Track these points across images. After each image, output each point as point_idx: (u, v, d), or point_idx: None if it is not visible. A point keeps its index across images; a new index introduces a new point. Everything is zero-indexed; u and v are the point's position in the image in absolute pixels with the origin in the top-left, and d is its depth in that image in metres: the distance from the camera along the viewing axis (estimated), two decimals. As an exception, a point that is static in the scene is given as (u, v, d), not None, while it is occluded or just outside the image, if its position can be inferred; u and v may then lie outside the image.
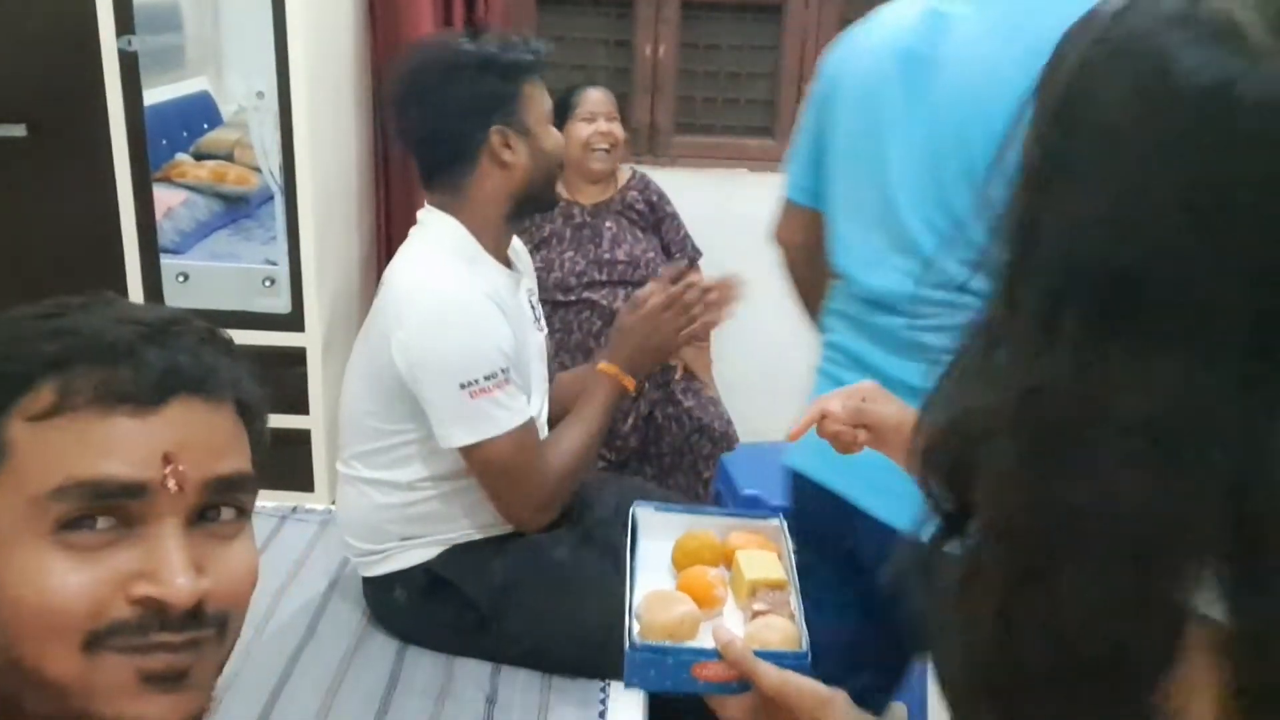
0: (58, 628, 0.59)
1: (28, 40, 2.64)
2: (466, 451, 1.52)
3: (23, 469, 0.59)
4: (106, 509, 0.60)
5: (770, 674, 0.88)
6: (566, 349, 2.60)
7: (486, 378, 1.47)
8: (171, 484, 0.61)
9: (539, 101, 1.60)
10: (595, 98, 2.67)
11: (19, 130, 2.68)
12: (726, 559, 1.10)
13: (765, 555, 1.08)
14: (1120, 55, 0.53)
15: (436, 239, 1.58)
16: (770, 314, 3.14)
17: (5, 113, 2.69)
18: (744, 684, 0.90)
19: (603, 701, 1.53)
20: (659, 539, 1.13)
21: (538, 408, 1.67)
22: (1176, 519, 0.51)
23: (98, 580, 0.59)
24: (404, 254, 1.61)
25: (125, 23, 2.31)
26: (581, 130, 2.61)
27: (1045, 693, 0.54)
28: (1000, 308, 0.58)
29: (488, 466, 1.53)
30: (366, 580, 1.68)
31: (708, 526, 1.14)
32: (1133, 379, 0.52)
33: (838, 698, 0.87)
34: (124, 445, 0.60)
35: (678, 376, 2.69)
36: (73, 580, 0.59)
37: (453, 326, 1.48)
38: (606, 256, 2.64)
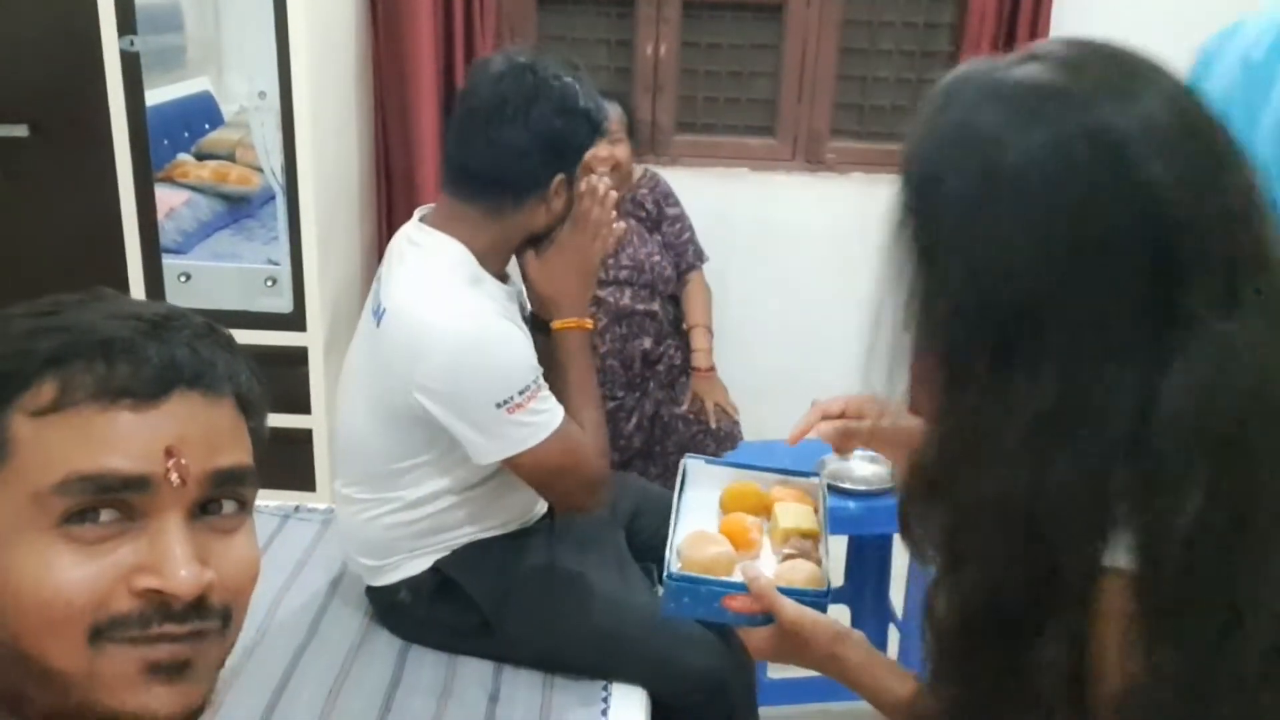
0: (62, 620, 0.59)
1: (29, 41, 2.64)
2: (511, 461, 1.50)
3: (25, 464, 0.60)
4: (109, 503, 0.60)
5: (789, 608, 0.98)
6: None
7: (520, 393, 1.45)
8: (174, 477, 0.61)
9: (586, 160, 1.61)
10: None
11: (21, 131, 2.68)
12: (767, 509, 1.23)
13: (801, 508, 1.21)
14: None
15: (440, 265, 1.52)
16: (773, 313, 3.15)
17: (7, 113, 2.69)
18: (768, 617, 0.99)
19: (605, 701, 1.53)
20: (706, 489, 1.28)
21: None
22: (1078, 491, 0.64)
23: (101, 573, 0.60)
24: (407, 281, 1.53)
25: (127, 23, 2.32)
26: None
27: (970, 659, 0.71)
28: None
29: (536, 470, 1.51)
30: (370, 589, 1.68)
31: (753, 479, 1.29)
32: (1024, 388, 0.65)
33: (855, 634, 0.98)
34: (125, 439, 0.60)
35: (714, 424, 2.65)
36: (76, 573, 0.59)
37: (479, 354, 1.45)
38: (611, 260, 2.63)
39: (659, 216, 2.76)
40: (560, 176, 1.54)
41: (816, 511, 1.22)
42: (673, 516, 1.19)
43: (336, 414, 1.72)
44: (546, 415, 1.49)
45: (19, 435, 0.60)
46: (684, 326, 2.77)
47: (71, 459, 0.59)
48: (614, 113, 2.60)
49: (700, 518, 1.23)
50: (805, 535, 1.16)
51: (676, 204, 2.79)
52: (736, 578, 1.05)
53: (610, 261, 2.62)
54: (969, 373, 0.68)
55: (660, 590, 1.05)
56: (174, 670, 0.62)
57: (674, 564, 1.10)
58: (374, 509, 1.61)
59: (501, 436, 1.47)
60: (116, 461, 0.60)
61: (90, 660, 0.60)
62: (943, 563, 0.73)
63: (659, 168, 2.91)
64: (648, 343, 2.65)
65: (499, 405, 1.44)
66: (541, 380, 1.50)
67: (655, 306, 2.68)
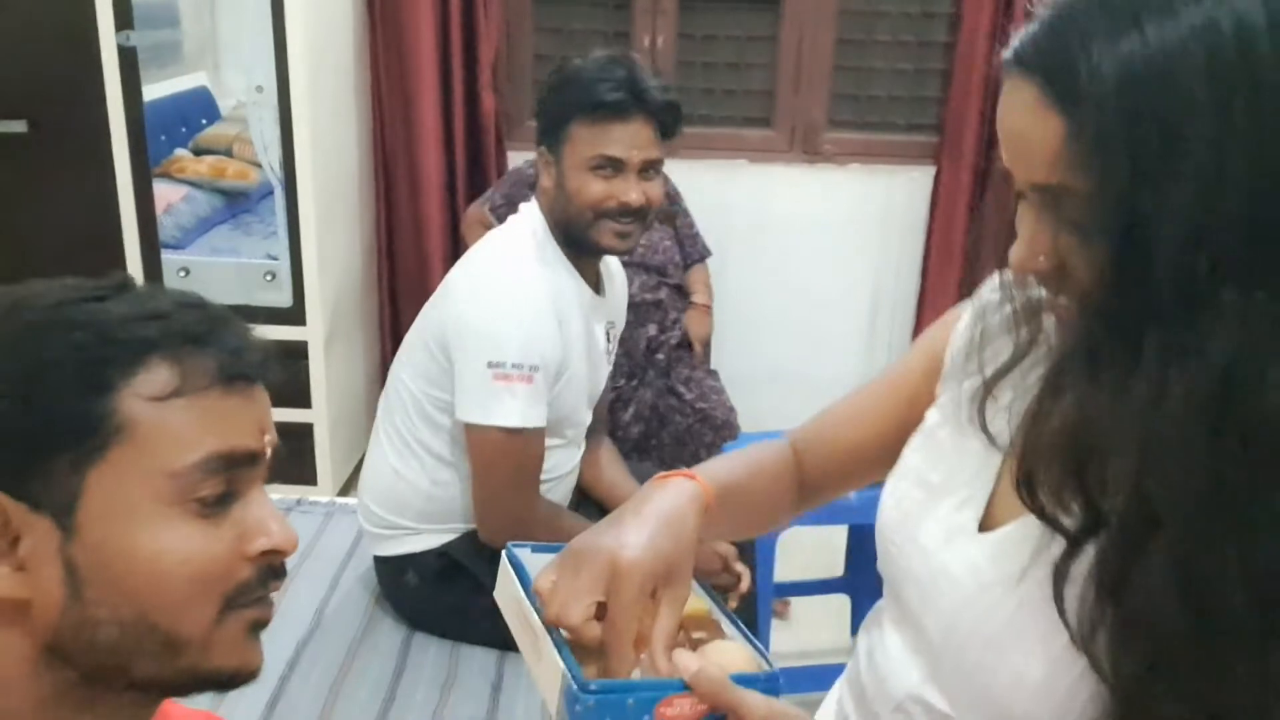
0: (202, 594, 0.64)
1: (27, 37, 2.64)
2: (472, 432, 1.54)
3: (151, 445, 0.63)
4: (230, 479, 0.65)
5: (757, 703, 0.69)
6: None
7: (514, 365, 1.49)
8: (269, 452, 0.68)
9: (583, 144, 1.55)
10: None
11: (19, 127, 2.68)
12: None
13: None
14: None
15: (529, 230, 1.60)
16: (771, 304, 3.15)
17: (6, 109, 2.69)
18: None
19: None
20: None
21: (573, 431, 1.69)
22: None
23: (226, 545, 0.65)
24: (498, 232, 1.65)
25: (124, 18, 2.32)
26: None
27: (1242, 642, 0.59)
28: (1117, 312, 0.60)
29: (481, 452, 1.55)
30: (379, 560, 1.70)
31: None
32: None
33: None
34: (245, 420, 0.67)
35: (673, 342, 2.72)
36: (214, 548, 0.64)
37: (503, 306, 1.51)
38: None
39: (672, 210, 2.82)
40: (542, 146, 1.60)
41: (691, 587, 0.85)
42: (533, 620, 0.78)
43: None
44: (522, 408, 1.51)
45: (137, 417, 0.62)
46: (691, 300, 2.82)
47: (206, 440, 0.64)
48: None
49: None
50: (696, 619, 0.85)
51: (680, 199, 2.85)
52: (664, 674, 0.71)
53: None
54: (1193, 310, 0.57)
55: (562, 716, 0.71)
56: (264, 626, 0.68)
57: (577, 673, 0.70)
58: (394, 452, 1.65)
59: (477, 394, 1.51)
60: (243, 440, 0.66)
61: (214, 627, 0.65)
62: (1127, 540, 0.62)
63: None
64: (653, 329, 2.69)
65: (490, 365, 1.49)
66: (541, 379, 1.51)
67: (662, 295, 2.72)
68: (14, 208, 2.74)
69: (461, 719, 1.48)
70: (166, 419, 0.63)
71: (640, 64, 1.59)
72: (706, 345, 2.81)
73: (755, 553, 1.91)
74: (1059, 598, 0.66)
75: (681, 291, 2.80)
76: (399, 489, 1.65)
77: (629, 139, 1.55)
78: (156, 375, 0.63)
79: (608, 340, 1.72)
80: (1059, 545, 0.67)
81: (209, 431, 0.64)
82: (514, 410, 1.50)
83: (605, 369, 1.74)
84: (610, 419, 2.62)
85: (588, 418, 1.75)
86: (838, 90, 3.05)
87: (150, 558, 0.62)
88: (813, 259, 3.07)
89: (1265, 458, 0.57)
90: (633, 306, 2.65)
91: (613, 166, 1.55)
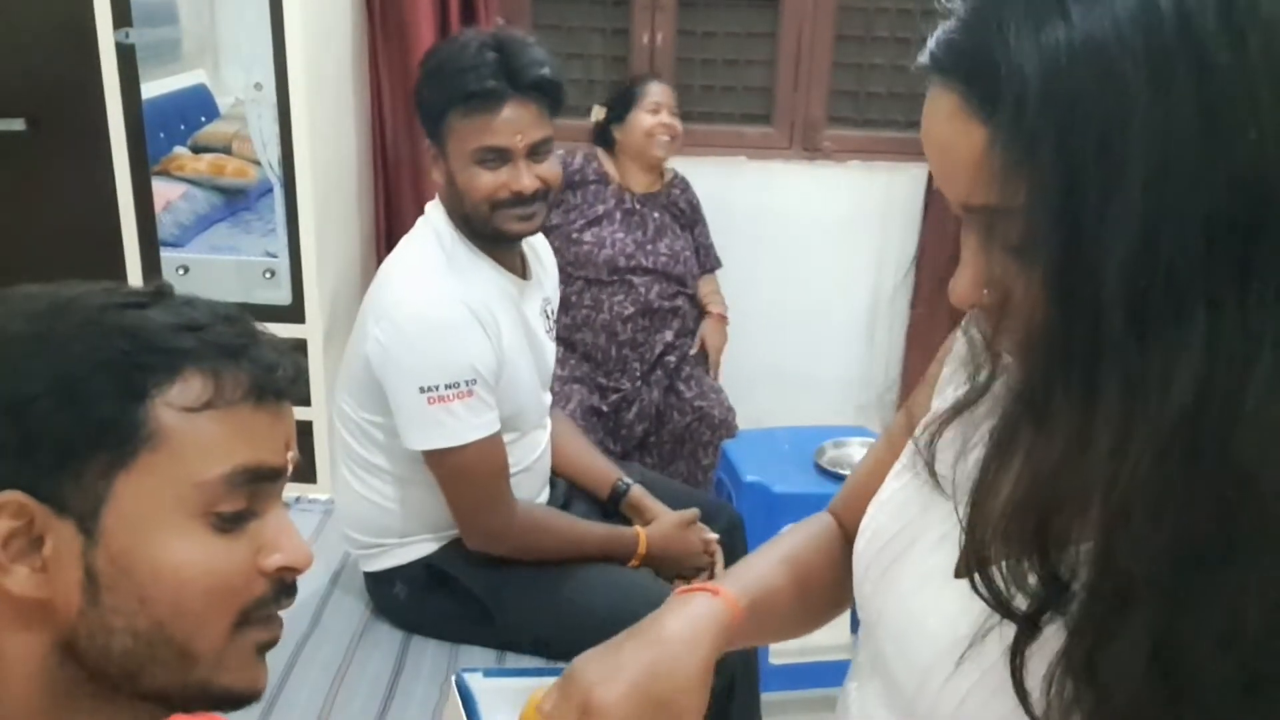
0: (220, 606, 0.64)
1: (26, 35, 2.63)
2: (428, 457, 1.52)
3: (179, 454, 0.63)
4: (253, 493, 0.66)
5: None
6: (590, 325, 2.64)
7: (447, 386, 1.45)
8: (290, 469, 0.69)
9: (464, 137, 1.49)
10: (659, 90, 2.70)
11: (18, 125, 2.67)
12: None
13: None
14: None
15: (434, 235, 1.56)
16: (770, 301, 3.15)
17: (4, 107, 2.68)
18: None
19: (606, 687, 1.54)
20: (503, 713, 0.85)
21: (535, 417, 1.67)
22: None
23: (245, 559, 0.65)
24: (403, 245, 1.60)
25: (122, 15, 2.31)
26: (645, 120, 2.66)
27: (1222, 709, 0.51)
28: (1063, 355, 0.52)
29: (443, 475, 1.53)
30: (368, 575, 1.69)
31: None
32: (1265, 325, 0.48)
33: None
34: (272, 435, 0.67)
35: (692, 351, 2.75)
36: (232, 561, 0.65)
37: (424, 331, 1.47)
38: (649, 246, 2.69)
39: (693, 218, 2.85)
40: (429, 140, 1.55)
41: None
42: None
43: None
44: (466, 426, 1.48)
45: (170, 426, 0.63)
46: (706, 309, 2.84)
47: (234, 453, 0.64)
48: (666, 89, 2.72)
49: None
50: None
51: (702, 208, 2.87)
52: None
53: (649, 248, 2.68)
54: (1169, 311, 0.49)
55: None
56: (271, 647, 0.69)
57: None
58: (362, 478, 1.63)
59: (417, 421, 1.48)
60: (269, 456, 0.67)
61: (227, 642, 0.65)
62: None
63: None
64: (670, 335, 2.70)
65: (422, 390, 1.45)
66: (482, 388, 1.48)
67: (680, 303, 2.75)
68: (12, 206, 2.73)
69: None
70: (197, 430, 0.63)
71: (515, 39, 1.51)
72: (720, 350, 2.84)
73: (749, 548, 1.91)
74: (1019, 685, 0.58)
75: (692, 300, 2.81)
76: (370, 513, 1.63)
77: (510, 126, 1.48)
78: (191, 386, 0.64)
79: (546, 318, 1.68)
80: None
81: (237, 445, 0.65)
82: (458, 429, 1.47)
83: (550, 348, 1.71)
84: (613, 418, 2.63)
85: (546, 399, 1.73)
86: (837, 87, 3.05)
87: (170, 568, 0.62)
88: (812, 256, 3.07)
89: (1242, 507, 0.49)
90: (650, 312, 2.67)
91: (498, 156, 1.49)
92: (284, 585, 0.68)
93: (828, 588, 0.85)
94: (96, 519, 0.61)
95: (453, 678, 0.86)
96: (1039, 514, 0.56)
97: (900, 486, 0.75)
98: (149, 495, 0.62)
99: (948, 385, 0.75)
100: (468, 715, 0.81)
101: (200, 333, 0.65)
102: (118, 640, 0.62)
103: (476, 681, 0.86)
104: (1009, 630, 0.59)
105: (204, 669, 0.64)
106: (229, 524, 0.65)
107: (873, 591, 0.74)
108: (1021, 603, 0.58)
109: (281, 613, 0.70)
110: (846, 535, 0.85)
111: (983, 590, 0.59)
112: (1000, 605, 0.59)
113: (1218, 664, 0.50)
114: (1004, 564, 0.58)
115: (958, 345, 0.75)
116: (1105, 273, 0.49)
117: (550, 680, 0.80)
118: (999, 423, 0.61)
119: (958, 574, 0.65)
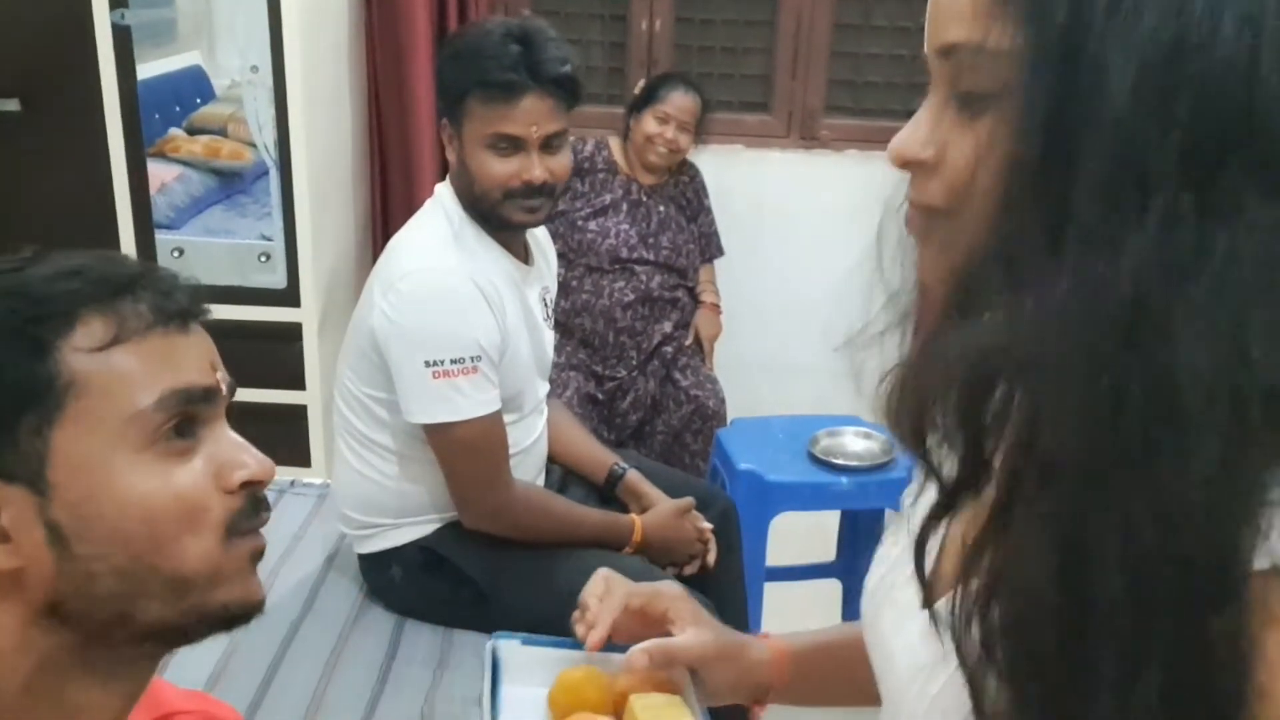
0: (194, 528, 0.65)
1: (20, 15, 2.61)
2: (428, 432, 1.53)
3: (104, 394, 0.63)
4: (190, 415, 0.66)
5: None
6: (590, 311, 2.65)
7: (453, 361, 1.47)
8: (224, 387, 0.69)
9: (481, 122, 1.51)
10: (677, 103, 2.64)
11: (13, 105, 2.66)
12: (617, 706, 0.88)
13: (667, 699, 0.86)
14: None
15: (444, 214, 1.58)
16: (767, 290, 3.15)
17: (-2, 88, 2.68)
18: None
19: (599, 672, 1.55)
20: (527, 683, 0.90)
21: (533, 401, 1.68)
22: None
23: (206, 480, 0.66)
24: (412, 222, 1.62)
25: (118, -4, 2.30)
26: (650, 126, 2.64)
27: (1116, 630, 0.47)
28: (1020, 225, 0.49)
29: (444, 450, 1.54)
30: (362, 557, 1.69)
31: (594, 662, 0.91)
32: (1218, 235, 0.44)
33: None
34: (188, 358, 0.67)
35: (688, 342, 2.75)
36: (197, 482, 0.65)
37: (432, 304, 1.48)
38: (652, 240, 2.69)
39: (698, 207, 2.83)
40: (444, 120, 1.57)
41: (686, 700, 0.87)
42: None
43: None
44: (471, 401, 1.49)
45: (83, 370, 0.63)
46: (701, 299, 2.84)
47: (158, 380, 0.65)
48: (688, 102, 2.66)
49: None
50: None
51: (708, 196, 2.85)
52: None
53: (651, 241, 2.68)
54: (1115, 216, 0.45)
55: None
56: (261, 555, 0.69)
57: None
58: (359, 455, 1.63)
59: (421, 395, 1.49)
60: (194, 377, 0.67)
61: (221, 557, 0.66)
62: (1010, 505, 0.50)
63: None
64: (668, 326, 2.71)
65: (427, 364, 1.47)
66: (486, 365, 1.50)
67: (679, 295, 2.76)
68: (6, 187, 2.72)
69: (455, 699, 1.49)
70: (113, 367, 0.64)
71: (541, 31, 1.54)
72: (714, 339, 2.85)
73: (742, 535, 1.92)
74: (919, 565, 0.56)
75: (691, 292, 2.81)
76: (369, 490, 1.63)
77: (526, 116, 1.50)
78: (92, 327, 0.64)
79: (545, 306, 1.70)
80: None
81: (159, 372, 0.65)
82: (462, 404, 1.49)
83: (549, 336, 1.72)
84: (609, 405, 2.64)
85: (543, 388, 1.74)
86: (835, 76, 3.04)
87: (135, 502, 0.63)
88: (809, 245, 3.07)
89: (1163, 417, 0.45)
90: (650, 301, 2.68)
91: (512, 144, 1.52)
92: (256, 499, 0.68)
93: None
94: (44, 477, 0.62)
95: (489, 642, 0.90)
96: (970, 387, 0.52)
97: (896, 540, 0.73)
98: (88, 440, 0.63)
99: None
100: (492, 681, 0.84)
101: (83, 275, 0.66)
102: (102, 584, 0.63)
103: (510, 650, 0.89)
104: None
105: (198, 591, 0.65)
106: (179, 448, 0.65)
107: (869, 625, 0.72)
108: (946, 470, 0.55)
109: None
110: None
111: (910, 442, 0.57)
112: (928, 465, 0.57)
113: (1113, 579, 0.46)
114: (943, 423, 0.54)
115: None
116: (1093, 126, 0.46)
117: (579, 653, 0.90)
118: (961, 280, 0.57)
119: (923, 606, 0.62)
